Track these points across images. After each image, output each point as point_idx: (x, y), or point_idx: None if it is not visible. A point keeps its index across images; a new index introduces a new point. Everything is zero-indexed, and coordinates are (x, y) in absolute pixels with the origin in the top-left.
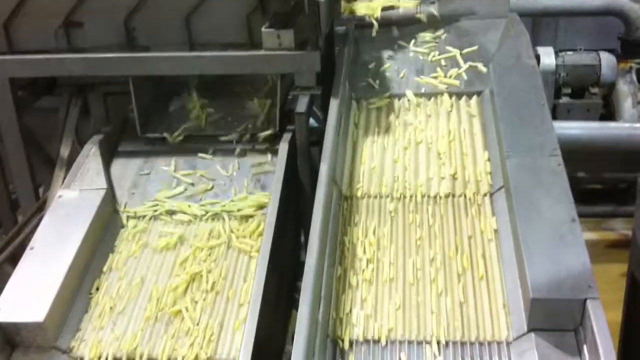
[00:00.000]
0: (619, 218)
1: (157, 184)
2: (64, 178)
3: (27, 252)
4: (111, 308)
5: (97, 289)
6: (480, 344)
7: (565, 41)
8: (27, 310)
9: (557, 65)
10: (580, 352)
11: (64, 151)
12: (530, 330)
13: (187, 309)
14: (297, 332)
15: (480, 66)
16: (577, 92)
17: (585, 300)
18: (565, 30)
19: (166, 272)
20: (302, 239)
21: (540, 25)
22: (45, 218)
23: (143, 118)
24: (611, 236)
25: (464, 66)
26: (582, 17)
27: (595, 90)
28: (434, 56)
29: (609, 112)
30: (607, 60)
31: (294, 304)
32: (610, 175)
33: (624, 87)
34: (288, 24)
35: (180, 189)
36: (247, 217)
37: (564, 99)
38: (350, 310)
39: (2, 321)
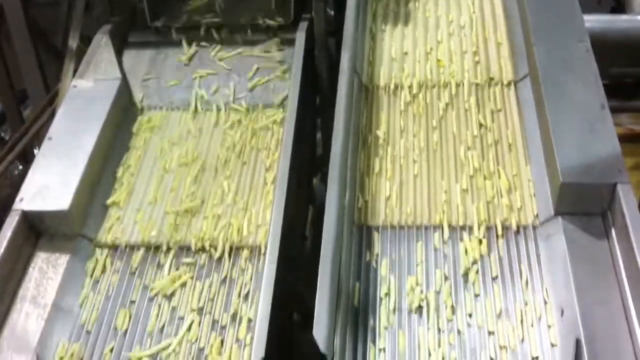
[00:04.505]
0: (626, 113)
1: (169, 75)
2: (75, 70)
3: (46, 142)
4: (134, 196)
5: (118, 177)
6: (507, 228)
7: None
8: (51, 199)
9: None
10: (607, 236)
11: (72, 43)
12: (557, 214)
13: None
14: (326, 217)
15: None
16: None
17: (615, 184)
18: None
19: (186, 160)
20: (318, 135)
21: None
22: (61, 108)
23: (152, 7)
24: (618, 131)
25: None
26: None
27: None
28: None
29: (619, 5)
30: None
31: (311, 198)
32: (618, 70)
33: None
34: None
35: (193, 80)
36: (264, 108)
37: None
38: (376, 197)
39: (26, 209)
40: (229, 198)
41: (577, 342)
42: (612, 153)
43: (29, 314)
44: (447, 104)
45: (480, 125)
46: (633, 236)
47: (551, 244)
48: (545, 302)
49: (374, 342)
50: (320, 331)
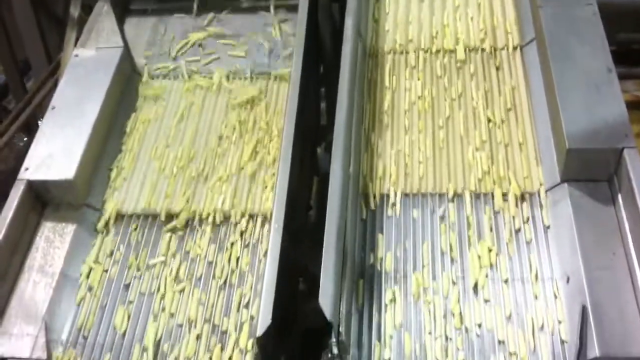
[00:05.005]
0: (632, 79)
1: (173, 43)
2: (77, 38)
3: (49, 112)
4: (139, 166)
5: (123, 148)
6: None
7: None
8: (56, 168)
9: None
10: (614, 202)
11: (74, 11)
12: (563, 181)
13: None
14: (330, 186)
15: None
16: None
17: (622, 149)
18: None
19: (191, 130)
20: (323, 104)
21: None
22: (64, 78)
23: None
24: (625, 98)
25: None
26: None
27: None
28: None
29: None
30: None
31: (315, 169)
32: (625, 36)
33: None
34: None
35: (197, 48)
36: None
37: None
38: (382, 168)
39: (32, 179)
40: (234, 167)
41: (583, 309)
42: (618, 117)
43: (37, 282)
44: (452, 70)
45: (487, 92)
46: (639, 201)
47: (557, 211)
48: (556, 297)
49: (379, 310)
50: (326, 299)
